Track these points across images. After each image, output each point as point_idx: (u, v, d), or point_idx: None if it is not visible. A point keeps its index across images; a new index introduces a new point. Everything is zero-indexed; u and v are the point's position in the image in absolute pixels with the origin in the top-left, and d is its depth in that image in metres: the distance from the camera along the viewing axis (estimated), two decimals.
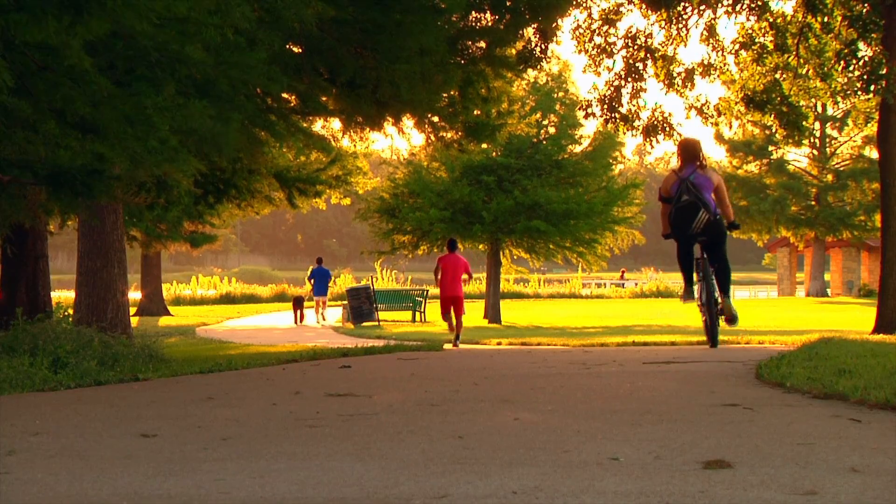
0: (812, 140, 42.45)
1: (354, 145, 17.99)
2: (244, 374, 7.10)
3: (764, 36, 14.71)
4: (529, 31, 12.54)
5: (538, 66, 14.54)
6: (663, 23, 14.68)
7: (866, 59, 13.92)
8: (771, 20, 14.56)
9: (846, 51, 14.03)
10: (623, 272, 57.09)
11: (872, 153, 37.57)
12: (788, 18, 14.73)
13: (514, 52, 12.47)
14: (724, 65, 15.08)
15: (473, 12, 10.55)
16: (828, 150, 43.16)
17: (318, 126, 13.33)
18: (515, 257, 26.09)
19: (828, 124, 42.54)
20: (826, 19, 14.05)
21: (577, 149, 24.30)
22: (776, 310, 27.16)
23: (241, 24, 6.42)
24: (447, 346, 12.57)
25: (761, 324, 18.11)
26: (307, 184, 22.26)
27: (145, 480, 2.91)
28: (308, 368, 7.51)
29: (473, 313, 24.40)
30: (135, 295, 27.87)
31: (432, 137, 12.40)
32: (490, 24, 10.82)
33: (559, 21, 11.91)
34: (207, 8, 6.07)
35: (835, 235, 40.38)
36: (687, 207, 7.80)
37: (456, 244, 14.21)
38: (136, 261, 30.29)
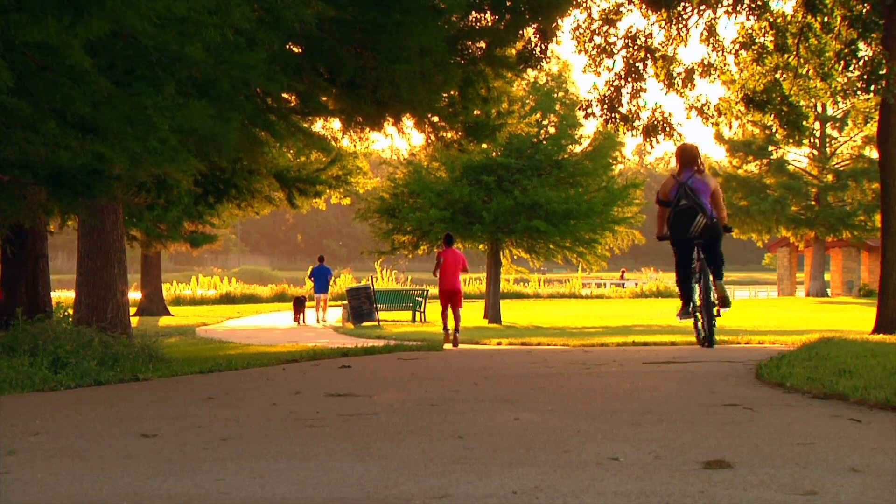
0: (812, 140, 42.45)
1: (354, 145, 17.98)
2: (244, 374, 7.10)
3: (764, 36, 14.71)
4: (529, 31, 12.54)
5: (538, 66, 14.54)
6: (663, 23, 14.68)
7: (866, 59, 13.92)
8: (771, 20, 14.56)
9: (846, 51, 14.03)
10: (623, 272, 57.09)
11: (872, 153, 37.58)
12: (788, 18, 14.73)
13: (514, 52, 12.47)
14: (724, 65, 15.09)
15: (473, 12, 10.55)
16: (828, 150, 43.16)
17: (318, 126, 13.32)
18: (515, 257, 26.10)
19: (828, 124, 42.53)
20: (826, 19, 14.05)
21: (577, 149, 24.31)
22: (776, 310, 27.17)
23: (241, 24, 6.42)
24: (447, 346, 12.58)
25: (761, 324, 18.12)
26: (307, 184, 22.26)
27: (145, 480, 2.91)
28: (308, 368, 7.51)
29: (473, 313, 24.41)
30: (135, 295, 27.88)
31: (432, 137, 12.40)
32: (490, 24, 10.81)
33: (559, 21, 11.91)
34: (207, 8, 6.07)
35: (835, 235, 40.39)
36: (685, 211, 8.02)
37: (453, 239, 14.36)
38: (136, 261, 30.29)
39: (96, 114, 6.01)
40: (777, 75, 14.62)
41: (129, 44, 5.98)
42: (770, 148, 42.31)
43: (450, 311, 13.79)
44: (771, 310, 27.11)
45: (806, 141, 41.21)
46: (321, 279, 24.95)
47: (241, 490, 2.74)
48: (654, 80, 15.04)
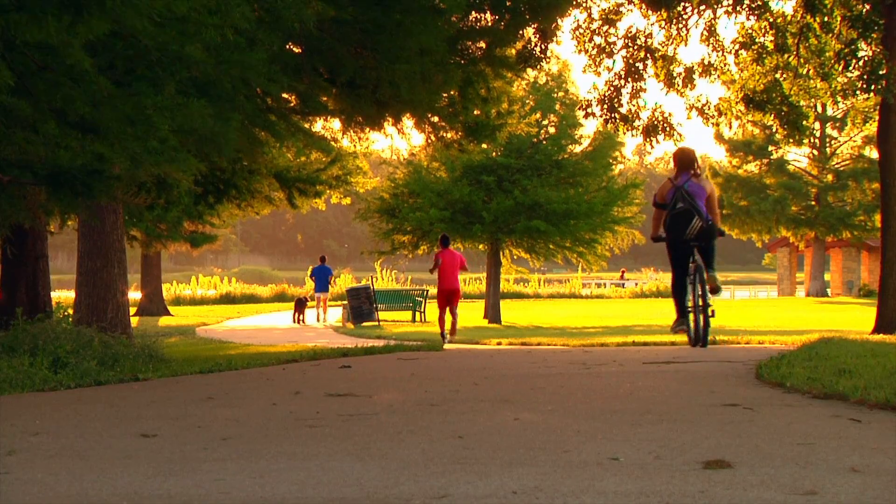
0: (812, 140, 42.43)
1: (354, 145, 17.95)
2: (244, 374, 7.10)
3: (764, 36, 14.71)
4: (529, 31, 12.53)
5: (538, 66, 14.53)
6: (663, 23, 14.68)
7: (866, 59, 13.92)
8: (771, 20, 14.56)
9: (846, 51, 14.03)
10: (623, 272, 57.07)
11: (872, 153, 37.57)
12: (788, 18, 14.73)
13: (514, 52, 12.47)
14: (724, 65, 15.09)
15: (473, 12, 10.55)
16: (828, 150, 43.15)
17: (318, 126, 13.32)
18: (515, 257, 26.10)
19: (828, 124, 42.51)
20: (826, 19, 14.05)
21: (577, 149, 24.31)
22: (776, 310, 27.17)
23: (241, 24, 6.41)
24: (447, 346, 12.59)
25: (761, 324, 18.12)
26: (307, 184, 22.25)
27: (145, 480, 2.91)
28: (308, 368, 7.51)
29: (473, 313, 24.41)
30: (135, 295, 27.87)
31: (432, 137, 12.40)
32: (490, 24, 10.81)
33: (559, 21, 11.91)
34: (207, 8, 6.06)
35: (835, 235, 40.38)
36: (682, 214, 8.15)
37: (449, 239, 14.73)
38: (136, 261, 30.28)
39: (96, 114, 6.01)
40: (777, 75, 14.62)
41: (129, 44, 5.98)
42: (770, 148, 42.30)
43: (447, 314, 13.88)
44: (771, 310, 27.11)
45: (806, 141, 41.19)
46: (322, 279, 24.99)
47: (241, 490, 2.74)
48: (654, 80, 15.05)
